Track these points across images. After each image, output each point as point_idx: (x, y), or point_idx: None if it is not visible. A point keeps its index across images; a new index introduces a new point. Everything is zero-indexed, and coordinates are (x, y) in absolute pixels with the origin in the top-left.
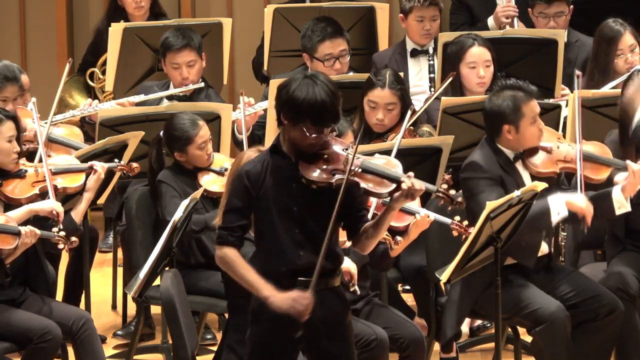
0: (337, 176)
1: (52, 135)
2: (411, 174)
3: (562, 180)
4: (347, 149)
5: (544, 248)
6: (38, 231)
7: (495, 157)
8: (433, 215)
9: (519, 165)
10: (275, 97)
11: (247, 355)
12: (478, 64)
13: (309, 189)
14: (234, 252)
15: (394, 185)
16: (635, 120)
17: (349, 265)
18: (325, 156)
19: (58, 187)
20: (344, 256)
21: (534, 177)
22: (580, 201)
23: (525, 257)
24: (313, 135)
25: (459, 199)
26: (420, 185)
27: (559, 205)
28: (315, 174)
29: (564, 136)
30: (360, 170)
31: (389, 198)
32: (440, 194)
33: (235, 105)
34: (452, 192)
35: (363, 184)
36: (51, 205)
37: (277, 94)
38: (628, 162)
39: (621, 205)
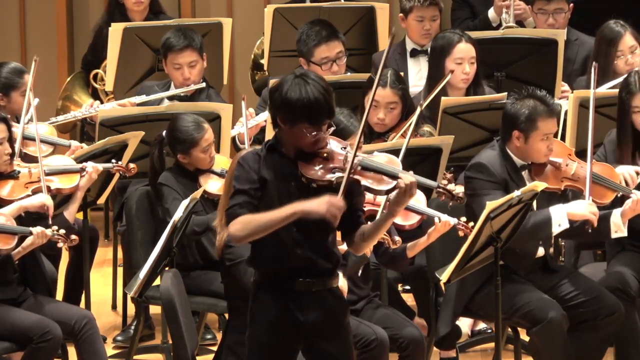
0: (337, 174)
1: (28, 132)
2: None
3: (567, 195)
4: (345, 148)
5: (539, 251)
6: (48, 232)
7: (504, 162)
8: (453, 221)
9: (525, 174)
10: (268, 101)
11: (247, 356)
12: (464, 60)
13: (307, 188)
14: (245, 215)
15: (393, 182)
16: None
17: (340, 283)
18: (325, 155)
19: (52, 187)
20: (342, 257)
21: None
22: (580, 208)
23: (519, 264)
24: (313, 134)
25: (460, 194)
26: (415, 179)
27: (560, 217)
28: (315, 172)
29: (564, 136)
30: (360, 167)
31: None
32: (441, 190)
33: (235, 107)
34: (452, 187)
35: (363, 182)
36: (41, 200)
37: (270, 97)
38: (634, 191)
39: (618, 229)
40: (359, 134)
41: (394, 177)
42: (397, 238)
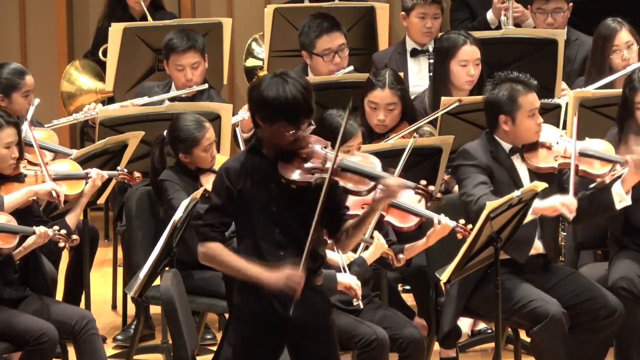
0: (317, 175)
1: (27, 138)
2: (392, 170)
3: (565, 179)
4: (325, 147)
5: (538, 246)
6: (50, 232)
7: (489, 148)
8: (452, 223)
9: (516, 159)
10: (247, 100)
11: (231, 353)
12: (469, 62)
13: (288, 189)
14: (217, 245)
15: (372, 183)
16: None
17: (350, 280)
18: (304, 155)
19: None
20: (326, 256)
21: (531, 172)
22: (546, 203)
23: (518, 252)
24: (291, 133)
25: (438, 195)
26: (398, 182)
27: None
28: (294, 173)
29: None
30: (339, 168)
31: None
32: (420, 190)
33: (235, 106)
34: (431, 188)
35: (342, 183)
36: (50, 185)
37: (248, 96)
38: (627, 156)
39: (621, 198)
40: (339, 138)
41: (374, 178)
42: (401, 256)
